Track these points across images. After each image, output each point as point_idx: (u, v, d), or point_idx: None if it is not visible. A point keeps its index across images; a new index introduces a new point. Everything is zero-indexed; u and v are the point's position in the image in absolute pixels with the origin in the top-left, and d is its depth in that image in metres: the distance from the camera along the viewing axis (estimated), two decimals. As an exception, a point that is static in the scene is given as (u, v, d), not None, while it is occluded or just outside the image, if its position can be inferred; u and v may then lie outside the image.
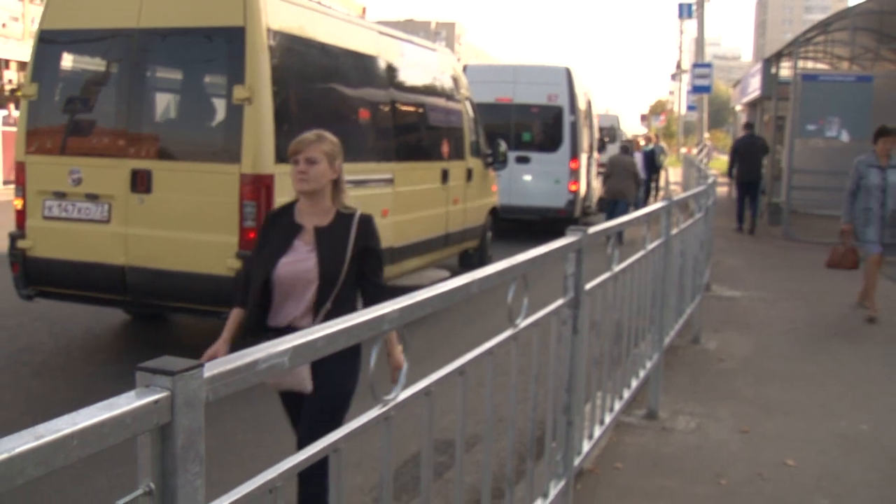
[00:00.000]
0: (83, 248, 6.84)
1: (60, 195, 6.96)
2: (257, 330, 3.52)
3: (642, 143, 23.58)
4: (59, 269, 6.95)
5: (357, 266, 3.63)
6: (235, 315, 3.72)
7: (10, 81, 25.67)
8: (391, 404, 2.29)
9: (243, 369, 1.62)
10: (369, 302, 3.35)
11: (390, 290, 3.18)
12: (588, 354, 4.23)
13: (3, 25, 38.24)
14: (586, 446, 4.39)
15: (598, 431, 4.63)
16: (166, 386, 1.40)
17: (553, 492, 3.79)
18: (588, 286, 4.02)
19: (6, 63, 25.72)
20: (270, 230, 3.72)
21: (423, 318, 2.39)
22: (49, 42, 7.28)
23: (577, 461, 4.14)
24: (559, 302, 3.75)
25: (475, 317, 8.56)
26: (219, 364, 1.57)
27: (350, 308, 3.53)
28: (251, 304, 3.60)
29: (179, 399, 1.42)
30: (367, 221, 3.67)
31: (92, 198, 6.84)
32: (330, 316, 3.39)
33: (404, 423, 2.42)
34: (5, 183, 20.44)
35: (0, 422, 5.44)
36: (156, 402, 1.38)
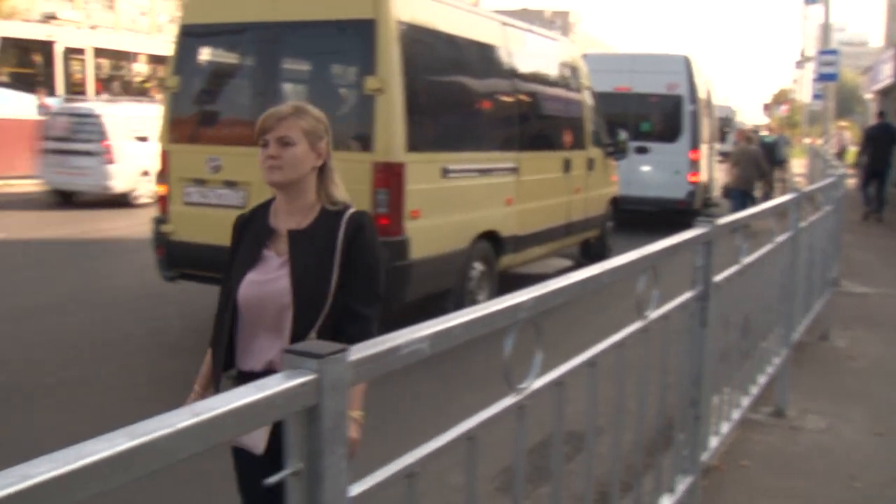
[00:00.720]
0: (221, 232, 7.11)
1: (200, 182, 7.30)
2: (225, 373, 2.76)
3: (764, 133, 22.93)
4: (199, 252, 7.29)
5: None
6: (208, 357, 2.92)
7: (138, 74, 26.79)
8: (525, 393, 2.28)
9: (386, 354, 1.65)
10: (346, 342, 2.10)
11: (379, 327, 2.54)
12: (715, 348, 4.20)
13: (133, 21, 39.89)
14: (713, 442, 4.34)
15: (725, 428, 4.58)
16: (313, 369, 1.44)
17: (680, 487, 3.77)
18: (716, 279, 3.99)
19: (135, 56, 26.80)
20: (239, 240, 2.88)
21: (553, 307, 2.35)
22: (189, 36, 7.63)
23: (703, 457, 4.11)
24: (688, 294, 3.71)
25: (595, 307, 8.56)
26: (363, 348, 1.61)
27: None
28: (213, 338, 2.81)
29: (326, 382, 1.45)
30: (359, 221, 2.72)
31: (230, 184, 7.15)
32: None
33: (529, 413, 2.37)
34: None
35: (139, 399, 5.76)
36: (303, 384, 1.42)
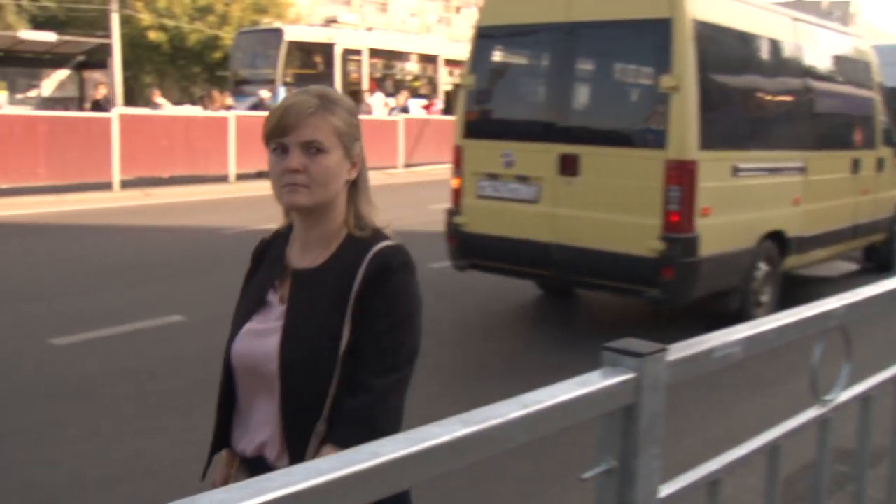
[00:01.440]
0: (512, 225, 7.51)
1: (493, 176, 7.68)
2: (219, 449, 2.14)
3: None
4: (490, 243, 7.68)
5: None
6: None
7: (409, 73, 28.18)
8: (830, 406, 2.12)
9: (702, 356, 1.62)
10: (340, 428, 1.87)
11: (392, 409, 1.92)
12: None
13: (403, 21, 41.88)
14: None
15: None
16: (633, 367, 1.44)
17: None
18: None
19: (406, 56, 28.22)
20: (254, 273, 2.18)
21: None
22: (485, 37, 8.03)
23: None
24: None
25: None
26: (682, 349, 1.59)
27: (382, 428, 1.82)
28: (217, 404, 2.12)
29: (645, 381, 1.45)
30: (385, 260, 1.95)
31: (522, 179, 7.48)
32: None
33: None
34: (406, 166, 22.49)
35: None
36: (623, 382, 1.42)
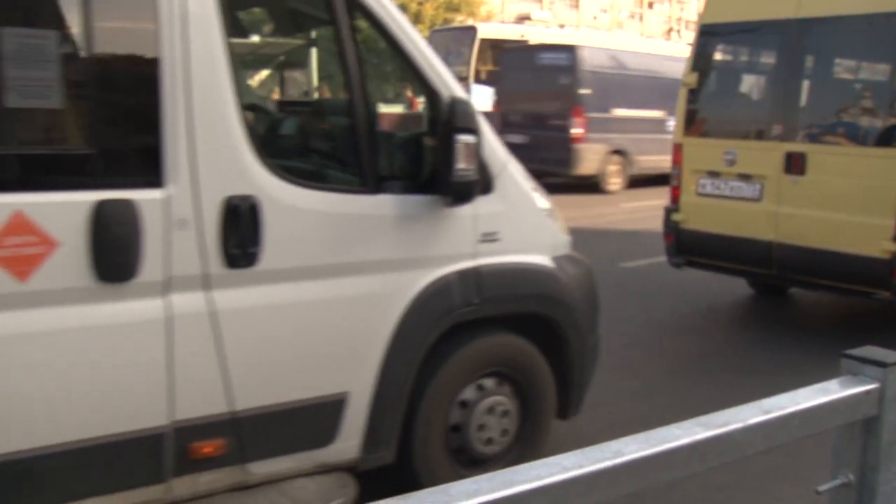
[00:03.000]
0: (732, 223, 7.49)
1: (714, 174, 7.68)
2: None
3: None
4: (709, 241, 7.69)
5: None
6: None
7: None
8: None
9: None
10: None
11: None
12: None
13: (595, 18, 41.68)
14: None
15: None
16: (876, 377, 1.36)
17: None
18: None
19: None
20: None
21: None
22: (708, 35, 8.02)
23: None
24: None
25: None
26: None
27: None
28: None
29: (889, 392, 1.37)
30: None
31: (745, 177, 7.44)
32: None
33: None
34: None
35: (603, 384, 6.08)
36: (865, 392, 1.35)
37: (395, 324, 3.73)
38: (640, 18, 44.82)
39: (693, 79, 7.98)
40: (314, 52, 6.31)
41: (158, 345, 3.19)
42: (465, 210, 3.84)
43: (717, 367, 6.61)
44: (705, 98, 8.09)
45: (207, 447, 3.35)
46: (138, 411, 3.19)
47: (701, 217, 7.75)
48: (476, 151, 3.67)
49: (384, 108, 18.25)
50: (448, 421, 4.05)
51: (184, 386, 3.25)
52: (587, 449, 1.21)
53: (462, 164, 3.61)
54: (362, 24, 3.72)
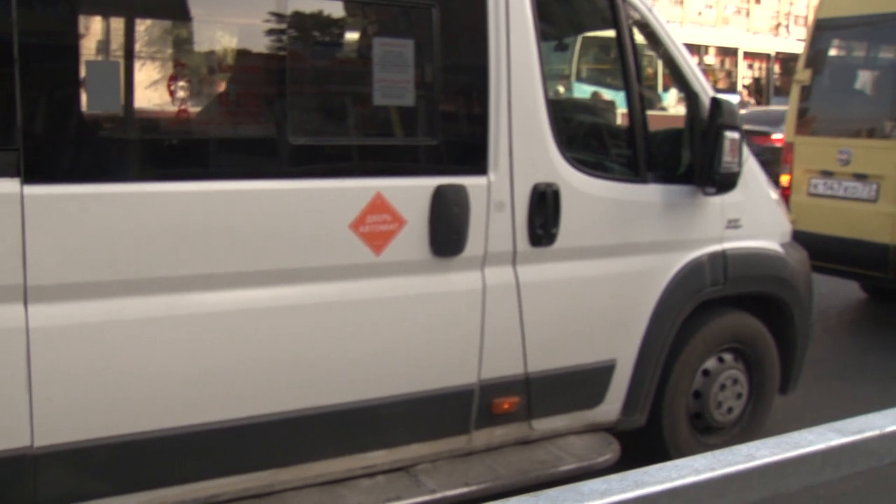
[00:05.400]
0: (846, 224, 7.22)
1: (827, 174, 7.42)
2: None
3: None
4: (820, 242, 7.39)
5: None
6: None
7: (708, 66, 27.43)
8: None
9: None
10: None
11: None
12: None
13: (699, 13, 40.78)
14: None
15: None
16: None
17: None
18: None
19: (705, 49, 27.44)
20: None
21: None
22: (824, 29, 7.77)
23: None
24: None
25: None
26: None
27: None
28: None
29: None
30: None
31: (860, 178, 7.17)
32: None
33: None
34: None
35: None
36: None
37: (657, 299, 4.18)
38: (747, 14, 43.65)
39: (806, 75, 7.74)
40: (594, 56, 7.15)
41: (475, 312, 3.68)
42: (714, 199, 4.28)
43: (828, 373, 6.38)
44: (819, 95, 7.82)
45: (505, 403, 3.83)
46: (455, 369, 3.68)
47: (812, 218, 7.49)
48: (740, 146, 4.12)
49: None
50: (692, 387, 4.47)
51: (490, 348, 3.73)
52: (718, 452, 1.20)
53: (728, 158, 4.06)
54: (637, 33, 4.21)
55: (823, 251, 7.42)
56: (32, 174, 2.81)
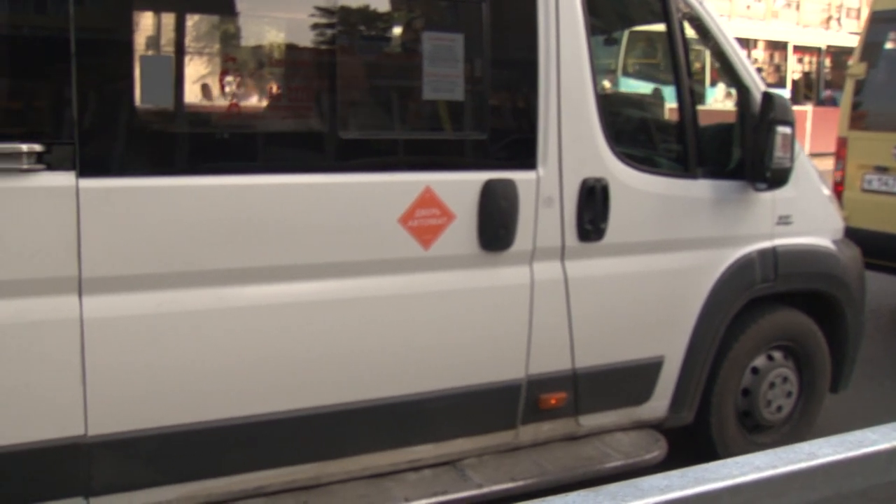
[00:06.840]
0: (900, 221, 7.09)
1: (882, 169, 7.28)
2: None
3: None
4: (875, 239, 7.26)
5: None
6: None
7: (756, 60, 27.03)
8: None
9: None
10: None
11: None
12: None
13: (748, 7, 40.22)
14: None
15: None
16: None
17: None
18: None
19: (754, 43, 27.05)
20: None
21: None
22: (879, 22, 7.61)
23: None
24: None
25: None
26: None
27: None
28: None
29: None
30: None
31: (916, 174, 7.03)
32: None
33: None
34: (812, 154, 21.67)
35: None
36: None
37: (706, 295, 4.15)
38: (797, 7, 42.95)
39: (861, 69, 7.59)
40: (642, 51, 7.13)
41: (523, 307, 3.67)
42: (765, 195, 4.24)
43: (880, 373, 6.27)
44: (874, 89, 7.66)
45: (552, 399, 3.83)
46: (502, 364, 3.68)
47: (866, 214, 7.35)
48: (792, 141, 4.07)
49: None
50: (741, 384, 4.42)
51: (538, 343, 3.73)
52: (779, 449, 1.18)
53: (780, 153, 4.02)
54: (687, 27, 4.19)
55: (877, 248, 7.29)
56: (87, 168, 2.85)
